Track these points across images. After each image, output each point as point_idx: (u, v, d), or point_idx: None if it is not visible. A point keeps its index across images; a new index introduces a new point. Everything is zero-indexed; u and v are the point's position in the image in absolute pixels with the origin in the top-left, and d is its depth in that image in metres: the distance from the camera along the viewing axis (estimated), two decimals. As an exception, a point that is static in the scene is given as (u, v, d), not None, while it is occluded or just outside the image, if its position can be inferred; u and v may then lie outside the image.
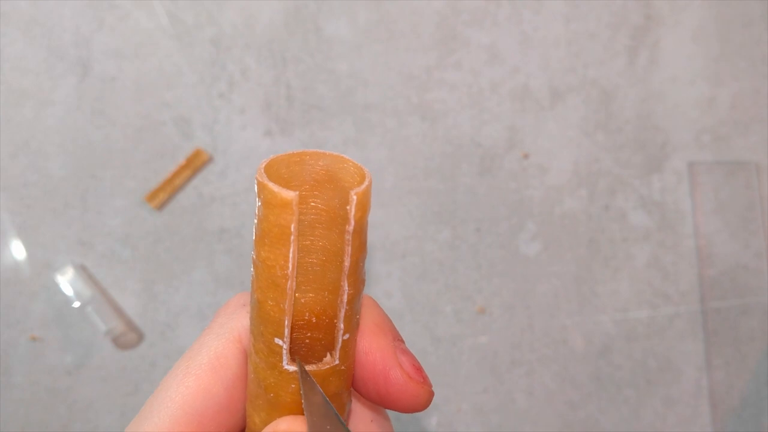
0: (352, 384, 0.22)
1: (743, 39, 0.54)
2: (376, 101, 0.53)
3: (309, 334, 0.20)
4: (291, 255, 0.19)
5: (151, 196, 0.52)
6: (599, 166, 0.54)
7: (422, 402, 0.22)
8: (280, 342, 0.19)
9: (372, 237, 0.52)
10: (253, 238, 0.19)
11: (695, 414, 0.54)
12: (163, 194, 0.52)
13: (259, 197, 0.19)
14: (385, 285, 0.52)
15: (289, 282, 0.19)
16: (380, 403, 0.22)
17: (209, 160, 0.52)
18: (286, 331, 0.19)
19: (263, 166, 0.19)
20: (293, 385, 0.20)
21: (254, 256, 0.20)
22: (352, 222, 0.19)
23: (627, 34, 0.53)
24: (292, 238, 0.19)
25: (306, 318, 0.20)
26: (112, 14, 0.52)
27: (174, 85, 0.52)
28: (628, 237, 0.54)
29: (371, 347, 0.21)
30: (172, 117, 0.52)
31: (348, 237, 0.19)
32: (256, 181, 0.19)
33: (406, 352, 0.22)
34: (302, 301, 0.20)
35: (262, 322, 0.20)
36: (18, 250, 0.52)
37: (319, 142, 0.52)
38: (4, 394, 0.51)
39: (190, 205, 0.52)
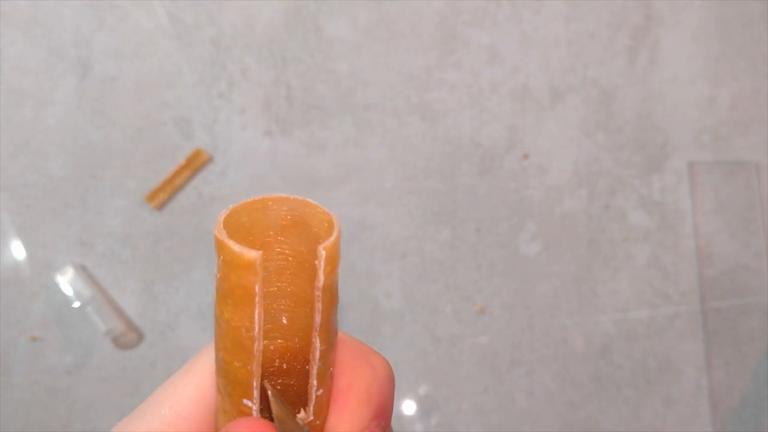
0: None
1: (743, 39, 0.54)
2: (376, 101, 0.53)
3: (280, 381, 0.20)
4: (257, 317, 0.17)
5: (151, 196, 0.52)
6: (599, 166, 0.54)
7: None
8: (249, 403, 0.18)
9: (372, 237, 0.52)
10: (216, 296, 0.18)
11: (695, 414, 0.54)
12: (163, 194, 0.52)
13: (218, 255, 0.18)
14: (385, 285, 0.52)
15: (256, 344, 0.18)
16: None
17: (209, 160, 0.52)
18: (255, 393, 0.18)
19: (222, 218, 0.18)
20: None
21: (217, 316, 0.18)
22: (322, 278, 0.18)
23: (627, 34, 0.54)
24: (257, 299, 0.17)
25: (276, 365, 0.19)
26: (112, 14, 0.52)
27: (174, 85, 0.52)
28: (628, 237, 0.54)
29: (341, 420, 0.20)
30: (172, 117, 0.52)
31: (318, 293, 0.18)
32: (214, 238, 0.18)
33: None
34: (271, 347, 0.19)
35: (228, 383, 0.19)
36: (18, 250, 0.52)
37: (319, 142, 0.52)
38: (4, 394, 0.51)
39: (190, 205, 0.52)
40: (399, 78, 0.53)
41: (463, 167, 0.53)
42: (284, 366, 0.19)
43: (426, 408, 0.52)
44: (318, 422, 0.19)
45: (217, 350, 0.19)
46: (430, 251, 0.53)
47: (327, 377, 0.19)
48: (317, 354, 0.19)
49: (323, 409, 0.19)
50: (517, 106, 0.53)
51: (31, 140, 0.52)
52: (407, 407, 0.52)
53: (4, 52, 0.52)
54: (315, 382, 0.19)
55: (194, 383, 0.20)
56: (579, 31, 0.53)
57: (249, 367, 0.18)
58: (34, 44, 0.52)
